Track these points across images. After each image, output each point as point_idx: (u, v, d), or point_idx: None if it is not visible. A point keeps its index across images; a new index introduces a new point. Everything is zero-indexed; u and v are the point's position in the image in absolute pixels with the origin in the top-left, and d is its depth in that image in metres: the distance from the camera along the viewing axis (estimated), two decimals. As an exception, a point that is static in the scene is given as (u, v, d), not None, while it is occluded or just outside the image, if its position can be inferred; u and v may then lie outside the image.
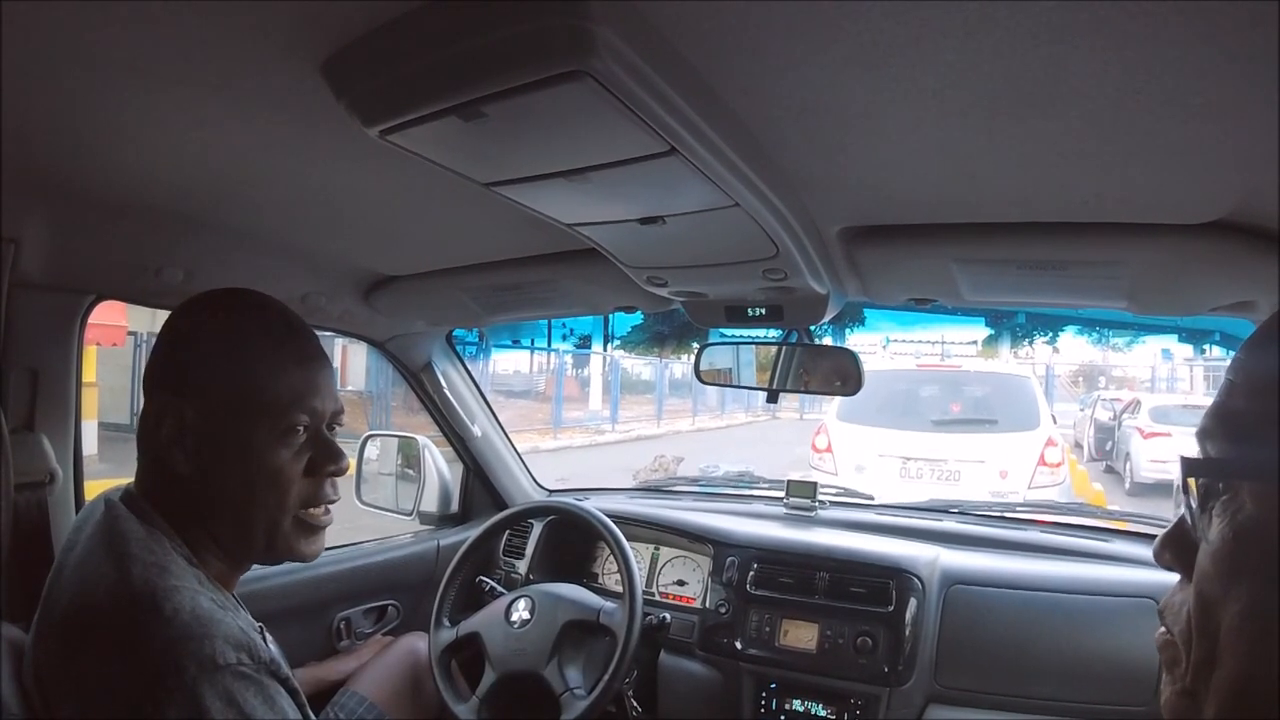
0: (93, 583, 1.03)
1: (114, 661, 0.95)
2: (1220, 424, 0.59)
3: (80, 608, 1.02)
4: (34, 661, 1.04)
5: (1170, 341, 27.61)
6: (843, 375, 2.01)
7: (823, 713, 2.03)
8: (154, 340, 1.19)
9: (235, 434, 1.12)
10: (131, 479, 1.17)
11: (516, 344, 27.67)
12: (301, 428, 1.16)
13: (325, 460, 1.20)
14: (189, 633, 0.96)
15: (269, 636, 1.15)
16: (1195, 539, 0.60)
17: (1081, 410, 18.83)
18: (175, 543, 1.08)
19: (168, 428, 1.10)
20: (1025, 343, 28.90)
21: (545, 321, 21.40)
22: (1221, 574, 0.56)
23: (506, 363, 29.54)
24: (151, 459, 1.13)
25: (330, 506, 1.23)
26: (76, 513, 1.57)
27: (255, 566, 1.27)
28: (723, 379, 2.26)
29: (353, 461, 2.55)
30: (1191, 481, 0.59)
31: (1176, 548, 0.63)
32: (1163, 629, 0.64)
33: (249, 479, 1.13)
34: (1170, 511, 0.64)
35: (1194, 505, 0.59)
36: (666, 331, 26.30)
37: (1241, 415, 0.58)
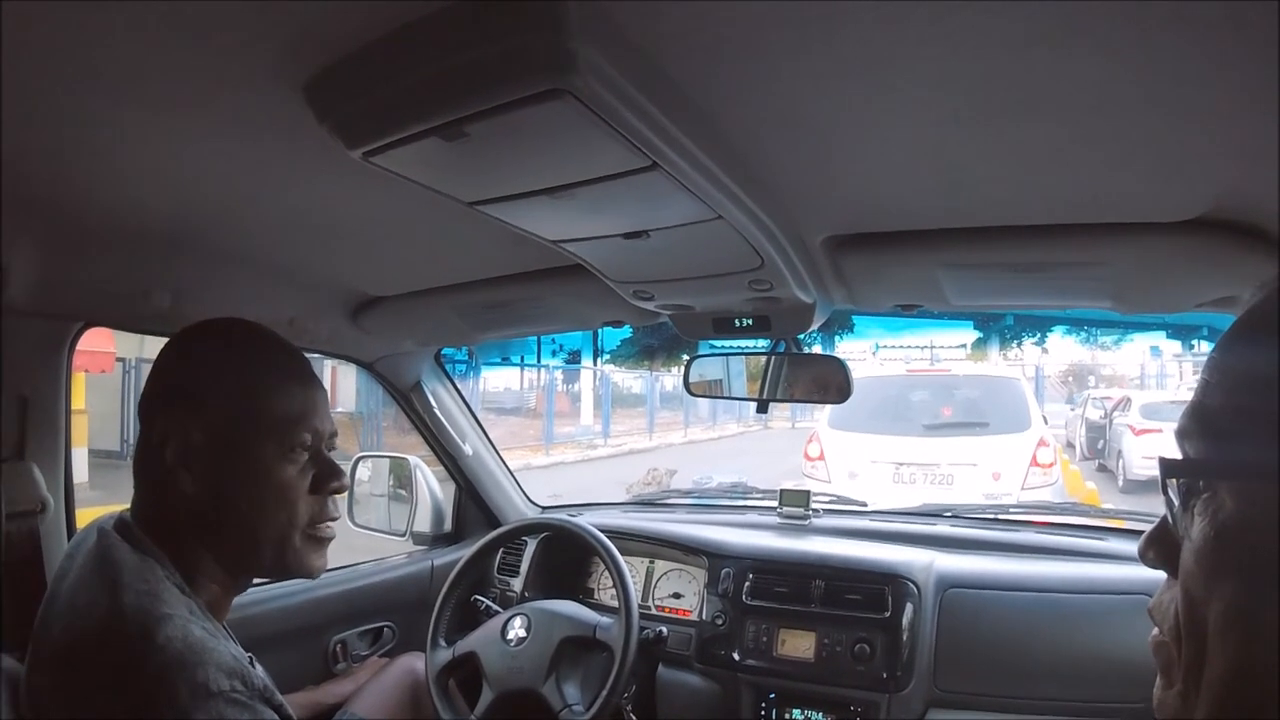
0: (85, 611, 1.02)
1: (107, 690, 0.95)
2: (1197, 423, 0.59)
3: (73, 636, 1.01)
4: (28, 690, 1.03)
5: (1159, 338, 27.78)
6: (832, 383, 2.01)
7: (822, 721, 2.03)
8: (149, 368, 1.20)
9: (244, 452, 1.14)
10: (122, 506, 1.17)
11: (506, 361, 27.69)
12: (305, 446, 1.19)
13: (328, 478, 1.22)
14: (182, 660, 0.96)
15: (258, 666, 1.14)
16: (1179, 538, 0.60)
17: (1072, 410, 18.88)
18: (168, 570, 1.08)
19: (173, 448, 1.11)
20: (1014, 344, 29.03)
21: (534, 338, 21.42)
22: (1205, 572, 0.56)
23: (496, 380, 29.46)
24: (152, 482, 1.13)
25: (332, 523, 1.26)
26: (69, 541, 1.56)
27: (249, 591, 1.27)
28: (713, 391, 2.26)
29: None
30: (1172, 481, 0.60)
31: (1160, 547, 0.63)
32: (1156, 630, 0.64)
33: (258, 496, 1.15)
34: (1164, 508, 0.64)
35: (1175, 504, 0.60)
36: (656, 344, 26.38)
37: (1218, 414, 0.58)
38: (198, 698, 0.94)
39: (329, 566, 1.28)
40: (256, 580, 1.28)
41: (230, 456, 1.13)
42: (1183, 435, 0.60)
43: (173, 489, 1.11)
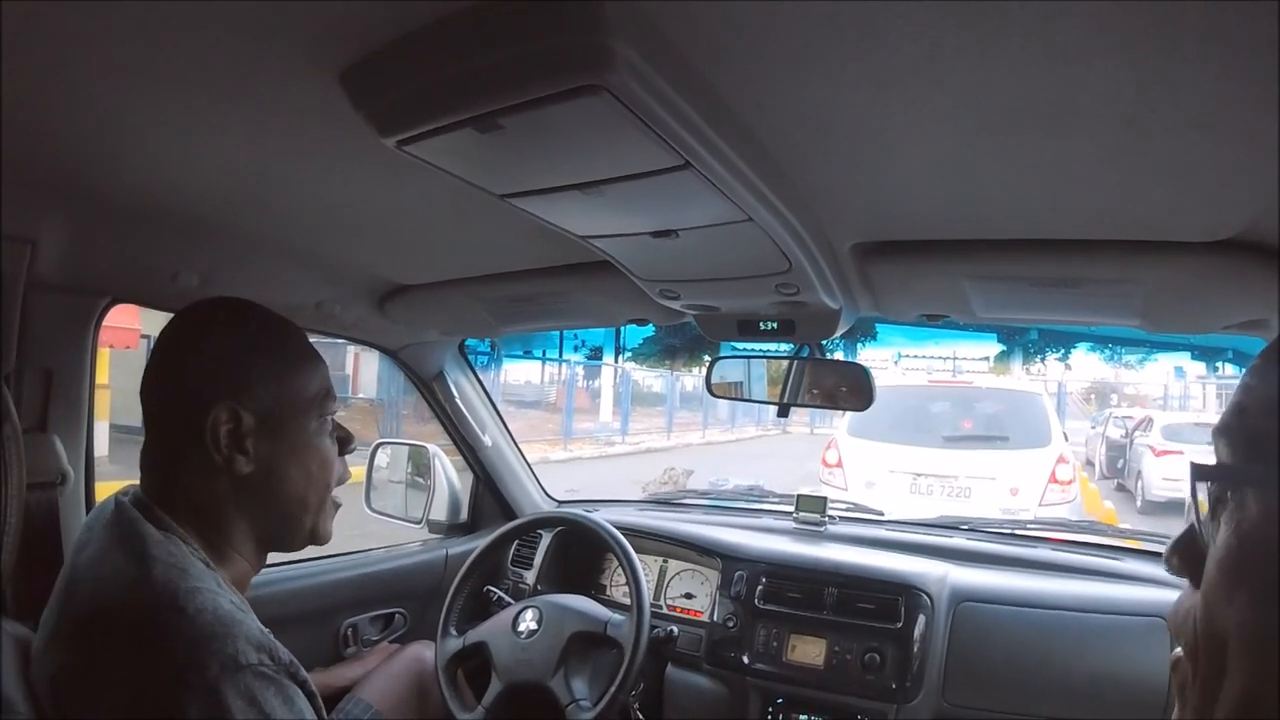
0: (111, 582, 1.03)
1: (136, 660, 0.96)
2: (1236, 428, 0.59)
3: (99, 607, 1.02)
4: (50, 661, 1.04)
5: (1183, 359, 27.52)
6: (854, 390, 2.01)
7: (829, 729, 2.03)
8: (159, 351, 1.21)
9: (294, 429, 1.19)
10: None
11: (528, 354, 27.71)
12: (331, 416, 1.25)
13: (348, 440, 1.31)
14: (212, 632, 0.97)
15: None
16: (1204, 546, 0.60)
17: (1094, 428, 18.72)
18: (191, 546, 1.09)
19: (227, 432, 1.13)
20: (1037, 359, 28.81)
21: (557, 333, 21.46)
22: (1226, 579, 0.56)
23: (518, 373, 29.47)
24: (174, 465, 1.14)
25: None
26: (87, 514, 1.57)
27: (263, 572, 1.29)
28: (734, 392, 2.25)
29: (362, 469, 2.56)
30: (1202, 486, 0.59)
31: (1186, 553, 0.63)
32: (1177, 650, 0.64)
33: (307, 468, 1.21)
34: (1185, 524, 0.65)
35: (1204, 510, 0.59)
36: (678, 344, 26.29)
37: (1256, 417, 0.58)
38: (227, 670, 0.95)
39: (345, 551, 1.31)
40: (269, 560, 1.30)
41: (282, 434, 1.18)
42: (1222, 431, 0.60)
43: (223, 471, 1.13)
